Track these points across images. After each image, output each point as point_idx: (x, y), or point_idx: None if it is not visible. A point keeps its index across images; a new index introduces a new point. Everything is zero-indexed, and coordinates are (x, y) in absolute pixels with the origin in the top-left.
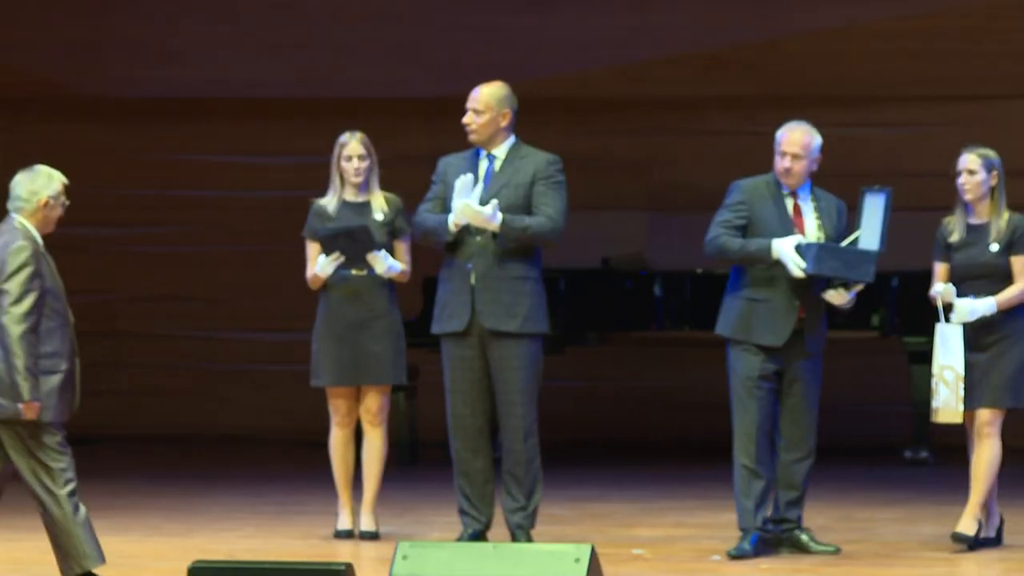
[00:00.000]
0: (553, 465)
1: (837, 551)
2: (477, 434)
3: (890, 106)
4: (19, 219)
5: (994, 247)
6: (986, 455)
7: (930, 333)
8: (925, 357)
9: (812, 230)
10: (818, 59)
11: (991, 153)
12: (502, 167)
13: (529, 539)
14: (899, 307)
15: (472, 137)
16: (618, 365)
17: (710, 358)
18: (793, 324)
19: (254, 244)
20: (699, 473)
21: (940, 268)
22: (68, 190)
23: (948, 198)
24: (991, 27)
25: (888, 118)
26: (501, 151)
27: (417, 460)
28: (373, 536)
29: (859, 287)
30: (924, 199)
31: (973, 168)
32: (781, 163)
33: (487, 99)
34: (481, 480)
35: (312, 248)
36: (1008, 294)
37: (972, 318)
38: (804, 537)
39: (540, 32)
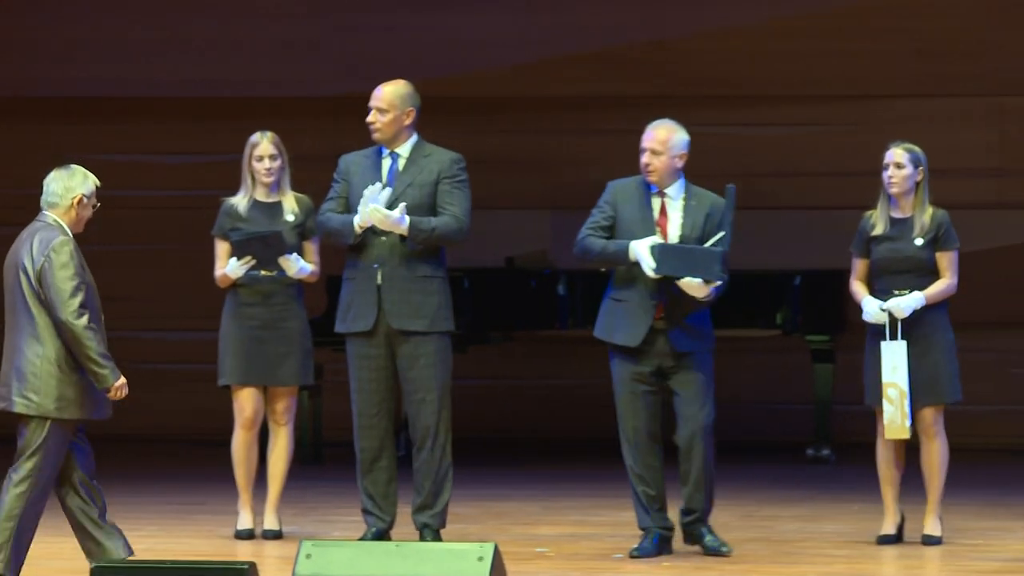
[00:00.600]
0: (456, 463)
1: (727, 553)
2: (383, 433)
3: (784, 105)
4: (52, 215)
5: (919, 241)
6: (936, 454)
7: (832, 331)
8: (827, 355)
9: (674, 230)
10: (713, 58)
11: (917, 149)
12: (406, 166)
13: (438, 538)
14: (801, 306)
15: (376, 136)
16: (522, 364)
17: None
18: (649, 324)
19: (148, 243)
20: (602, 472)
21: (860, 263)
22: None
23: (843, 197)
24: (881, 26)
25: (782, 117)
26: (404, 149)
27: (321, 459)
28: (276, 535)
29: (715, 283)
30: (819, 198)
31: (900, 162)
32: (642, 159)
33: (391, 97)
34: (385, 479)
35: (221, 247)
36: (936, 289)
37: (907, 313)
38: (704, 532)
39: (441, 31)
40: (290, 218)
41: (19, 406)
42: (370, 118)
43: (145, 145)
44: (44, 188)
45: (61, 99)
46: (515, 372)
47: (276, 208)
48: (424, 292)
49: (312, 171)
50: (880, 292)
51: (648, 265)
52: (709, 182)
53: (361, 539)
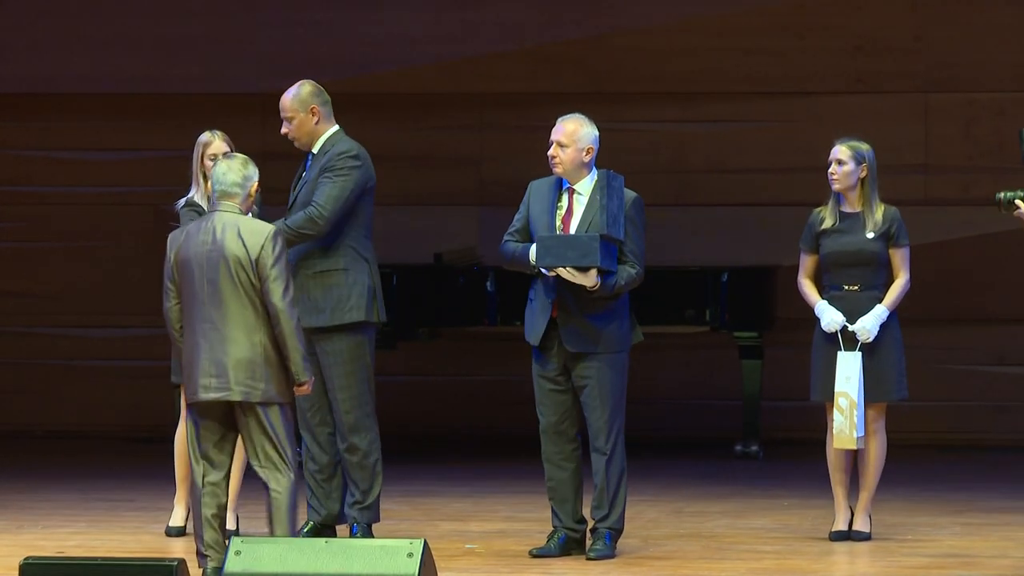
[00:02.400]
0: (384, 459)
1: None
2: (316, 430)
3: (716, 102)
4: (232, 204)
5: (870, 234)
6: (874, 451)
7: (760, 328)
8: (755, 352)
9: (573, 227)
10: (646, 55)
11: (863, 146)
12: (312, 163)
13: (369, 533)
14: (728, 302)
15: (296, 144)
16: (450, 360)
17: None
18: (546, 322)
19: (79, 240)
20: (530, 468)
21: (808, 259)
22: None
23: (772, 193)
24: (816, 23)
25: (714, 114)
26: (317, 147)
27: None
28: (234, 535)
29: (599, 271)
30: (750, 195)
31: (843, 159)
32: (549, 152)
33: (292, 104)
34: (323, 476)
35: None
36: (894, 294)
37: (875, 333)
38: (589, 539)
39: (368, 27)
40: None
41: (237, 394)
42: (284, 131)
43: (72, 142)
44: (216, 179)
45: None
46: (444, 368)
47: None
48: (321, 287)
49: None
50: (830, 287)
51: (531, 259)
52: (641, 178)
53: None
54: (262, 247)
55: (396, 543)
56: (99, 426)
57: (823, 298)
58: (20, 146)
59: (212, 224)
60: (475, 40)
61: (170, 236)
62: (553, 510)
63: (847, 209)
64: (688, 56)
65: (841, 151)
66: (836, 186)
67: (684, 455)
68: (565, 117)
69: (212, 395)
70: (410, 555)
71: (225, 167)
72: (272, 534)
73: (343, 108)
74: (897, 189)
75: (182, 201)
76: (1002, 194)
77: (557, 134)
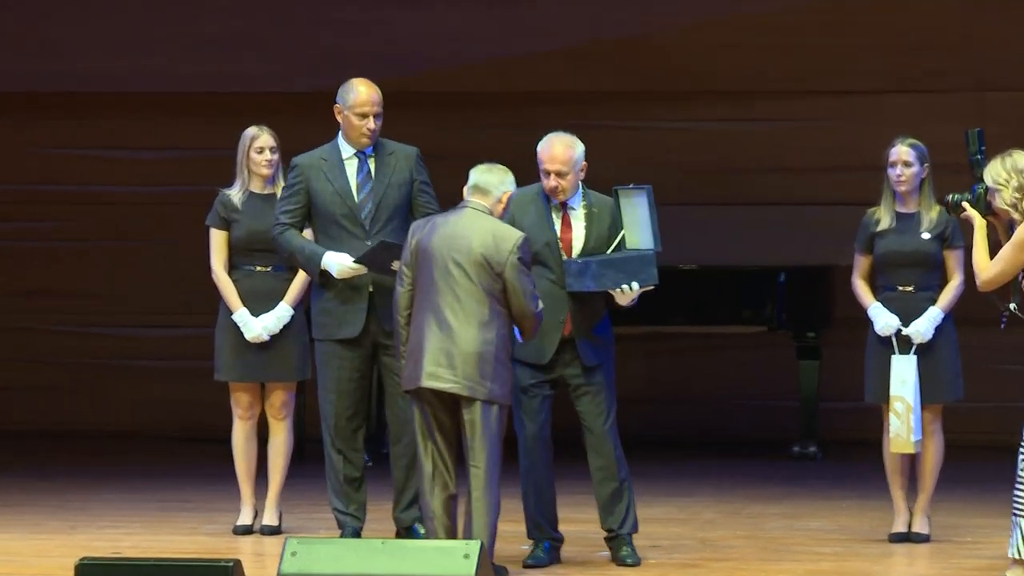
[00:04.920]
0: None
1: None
2: (355, 436)
3: (766, 100)
4: (482, 204)
5: (925, 235)
6: (932, 452)
7: (817, 328)
8: (813, 352)
9: (578, 243)
10: (691, 54)
11: (922, 144)
12: (379, 162)
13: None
14: (786, 302)
15: (368, 142)
16: None
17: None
18: (557, 340)
19: (133, 239)
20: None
21: (862, 260)
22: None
23: (826, 192)
24: (863, 20)
25: (764, 112)
26: (372, 145)
27: (303, 455)
28: (275, 531)
29: (648, 287)
30: (803, 194)
31: (908, 160)
32: (547, 182)
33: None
34: (360, 484)
35: (217, 237)
36: (948, 296)
37: (929, 336)
38: (622, 550)
39: (415, 25)
40: None
41: (463, 387)
42: (371, 125)
43: (123, 140)
44: (473, 176)
45: (39, 93)
46: None
47: (270, 200)
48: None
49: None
50: (884, 288)
51: (583, 285)
52: (689, 178)
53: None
54: (511, 254)
55: (452, 544)
56: (153, 426)
57: (877, 299)
58: (77, 145)
59: (461, 218)
60: (521, 38)
61: (413, 224)
62: (533, 521)
63: (903, 210)
64: (735, 54)
65: (904, 152)
66: (903, 188)
67: (741, 456)
68: (551, 140)
69: (438, 384)
70: (466, 556)
71: (486, 168)
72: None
73: (389, 106)
74: (949, 189)
75: (222, 192)
76: (951, 196)
77: (554, 164)
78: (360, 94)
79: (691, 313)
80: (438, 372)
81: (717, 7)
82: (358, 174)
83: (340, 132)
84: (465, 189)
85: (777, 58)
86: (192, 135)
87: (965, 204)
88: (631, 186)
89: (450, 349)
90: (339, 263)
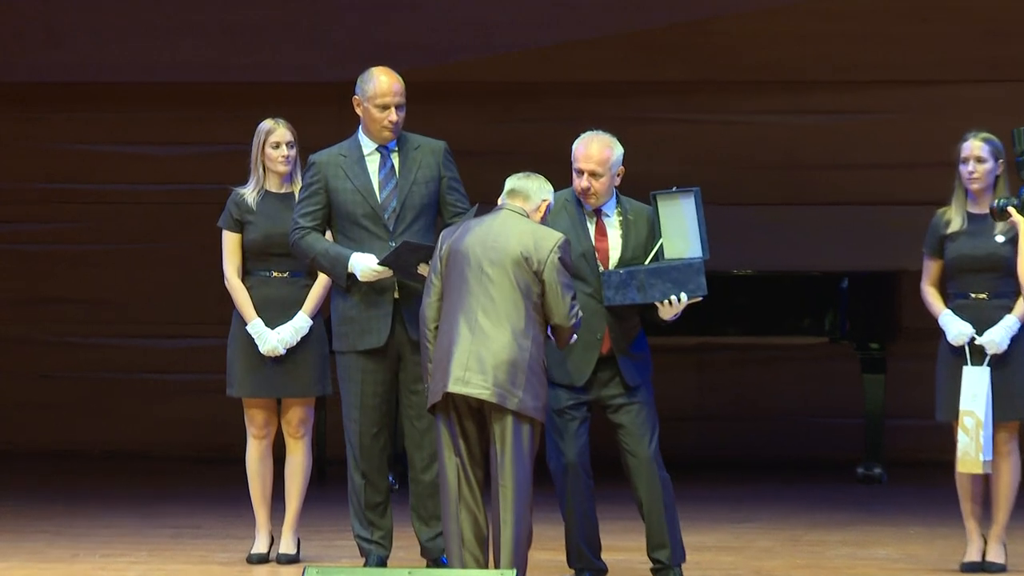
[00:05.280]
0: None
1: None
2: (381, 455)
3: (833, 91)
4: (520, 207)
5: (1000, 238)
6: (1007, 474)
7: (883, 338)
8: (878, 365)
9: (615, 252)
10: (752, 41)
11: (996, 139)
12: (404, 157)
13: None
14: (849, 311)
15: (391, 135)
16: None
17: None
18: (594, 359)
19: (143, 242)
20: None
21: (932, 265)
22: None
23: (898, 191)
24: (941, 4)
25: (831, 104)
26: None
27: (324, 477)
28: (292, 560)
29: (696, 298)
30: (869, 193)
31: (981, 155)
32: (579, 182)
33: (404, 90)
34: (384, 508)
35: (230, 240)
36: None
37: (1005, 346)
38: None
39: (451, 11)
40: None
41: (494, 394)
42: (393, 116)
43: (135, 135)
44: (512, 182)
45: (45, 85)
46: None
47: (288, 199)
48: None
49: None
50: (955, 295)
51: (625, 298)
52: (750, 175)
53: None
54: (551, 251)
55: (486, 573)
56: (163, 445)
57: (948, 307)
58: (81, 140)
59: (497, 221)
60: (567, 24)
61: (444, 231)
62: (576, 551)
63: (975, 210)
64: (799, 41)
65: (976, 147)
66: (975, 186)
67: (800, 478)
68: (588, 139)
69: (466, 390)
70: None
71: (524, 175)
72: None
73: (421, 99)
74: None
75: (235, 191)
76: (996, 201)
77: (589, 162)
78: (380, 83)
79: (746, 323)
80: (467, 377)
81: None
82: (380, 170)
83: (360, 126)
84: (501, 196)
85: (843, 45)
86: (210, 129)
87: (1011, 209)
88: (674, 189)
89: (482, 353)
90: (364, 264)
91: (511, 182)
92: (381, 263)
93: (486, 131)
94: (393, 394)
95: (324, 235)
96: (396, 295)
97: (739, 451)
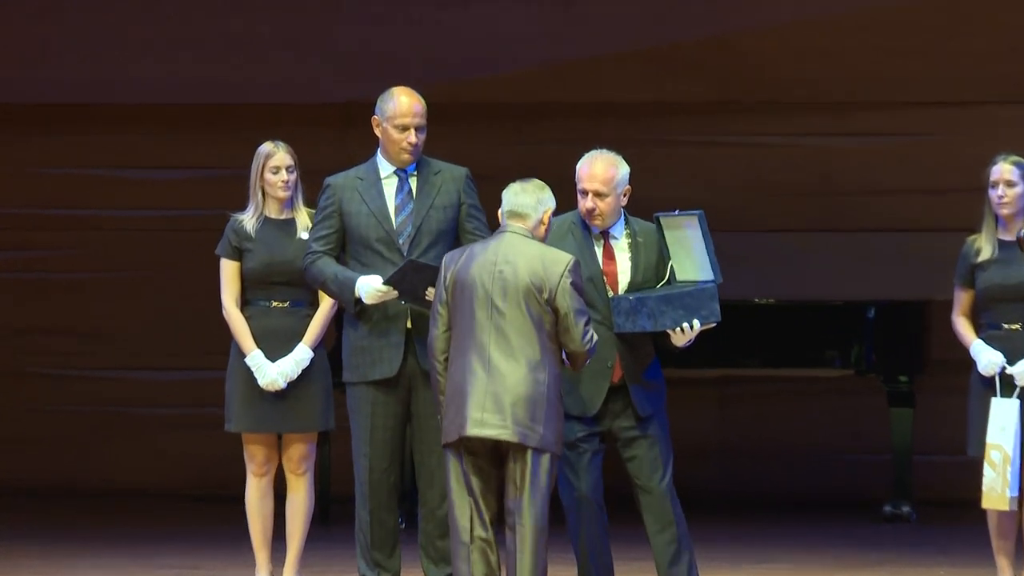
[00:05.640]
0: None
1: None
2: (391, 493)
3: (864, 112)
4: (523, 228)
5: None
6: None
7: (912, 371)
8: (906, 398)
9: (624, 277)
10: (780, 58)
11: None
12: (422, 182)
13: None
14: (876, 342)
15: (409, 158)
16: None
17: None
18: (605, 389)
19: (139, 270)
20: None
21: (963, 295)
22: None
23: (928, 217)
24: (982, 21)
25: (864, 126)
26: (414, 163)
27: (327, 517)
28: None
29: (710, 324)
30: (905, 219)
31: (1011, 179)
32: (584, 203)
33: (425, 111)
34: (392, 550)
35: (228, 268)
36: None
37: None
38: None
39: (462, 28)
40: (304, 236)
41: (514, 434)
42: (412, 139)
43: (128, 158)
44: (507, 199)
45: (30, 105)
46: None
47: (289, 226)
48: None
49: (319, 185)
50: (987, 325)
51: (636, 325)
52: (780, 200)
53: None
54: (562, 276)
55: None
56: (159, 482)
57: (979, 337)
58: (70, 163)
59: (502, 246)
60: (584, 41)
61: (446, 256)
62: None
63: (1005, 237)
64: (832, 59)
65: (1006, 170)
66: (1005, 211)
67: (825, 517)
68: (592, 159)
69: (486, 432)
70: None
71: (519, 187)
72: None
73: (429, 118)
74: None
75: (234, 217)
76: (1021, 231)
77: (593, 182)
78: (401, 104)
79: (769, 354)
80: (484, 418)
81: (810, 6)
82: (397, 194)
83: (379, 148)
84: (500, 214)
85: (875, 64)
86: (209, 151)
87: None
88: (676, 212)
89: (498, 392)
90: (369, 285)
91: (508, 200)
92: (386, 282)
93: (497, 153)
94: (404, 427)
95: (337, 260)
96: (409, 324)
97: (761, 488)
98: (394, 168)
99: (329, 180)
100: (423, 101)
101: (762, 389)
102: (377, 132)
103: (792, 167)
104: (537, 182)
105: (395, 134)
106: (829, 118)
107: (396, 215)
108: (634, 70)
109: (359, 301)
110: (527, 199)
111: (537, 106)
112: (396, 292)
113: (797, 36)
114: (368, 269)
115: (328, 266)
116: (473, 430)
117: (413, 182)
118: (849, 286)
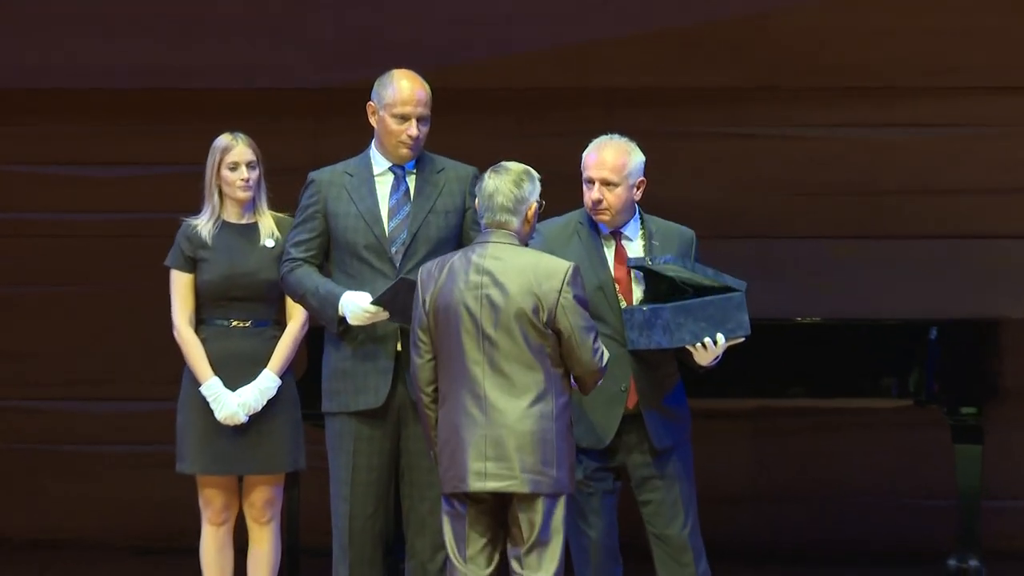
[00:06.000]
0: None
1: None
2: (377, 542)
3: (923, 100)
4: (506, 235)
5: None
6: None
7: (980, 401)
8: (974, 433)
9: (640, 282)
10: (820, 39)
11: None
12: (421, 181)
13: None
14: (938, 367)
15: (409, 155)
16: None
17: None
18: (619, 416)
19: (73, 284)
20: None
21: None
22: None
23: (1000, 221)
24: None
25: (920, 115)
26: (413, 159)
27: (298, 569)
28: None
29: (738, 339)
30: (966, 224)
31: None
32: (589, 194)
33: (429, 100)
34: None
35: (180, 282)
36: None
37: None
38: None
39: (457, 3)
40: (269, 244)
41: (525, 483)
42: (412, 131)
43: (60, 152)
44: (484, 201)
45: None
46: None
47: (251, 232)
48: None
49: (290, 185)
50: None
51: (651, 340)
52: (818, 201)
53: None
54: (560, 291)
55: None
56: (99, 531)
57: None
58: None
59: (485, 257)
60: (597, 21)
61: (422, 270)
62: None
63: None
64: (884, 39)
65: None
66: None
67: (879, 572)
68: (601, 143)
69: (490, 485)
70: None
71: (493, 184)
72: None
73: None
74: None
75: (186, 223)
76: None
77: (601, 170)
78: (401, 89)
79: (812, 382)
80: (487, 469)
81: None
82: (392, 195)
83: (373, 140)
84: (479, 210)
85: (933, 45)
86: (162, 145)
87: None
88: (648, 260)
89: (499, 435)
90: (355, 304)
91: (484, 201)
92: (375, 302)
93: (494, 147)
94: (393, 467)
95: (320, 269)
96: (399, 347)
97: (803, 539)
98: (390, 164)
99: (313, 175)
100: (428, 87)
101: (805, 423)
102: (372, 121)
103: (834, 163)
104: (514, 171)
105: (393, 124)
106: (875, 106)
107: (389, 219)
108: (651, 53)
109: (343, 320)
110: (506, 197)
111: (542, 93)
112: (386, 313)
113: (839, 14)
114: (354, 281)
115: (308, 277)
116: (475, 484)
117: (411, 181)
118: (905, 302)
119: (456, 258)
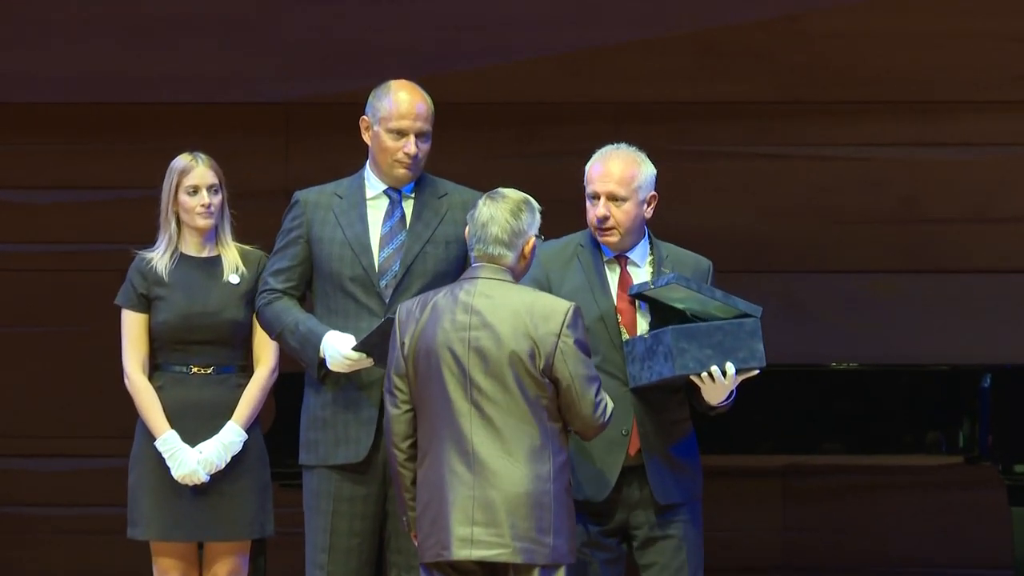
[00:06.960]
0: None
1: None
2: None
3: (967, 115)
4: (498, 270)
5: None
6: None
7: None
8: None
9: (646, 314)
10: (856, 46)
11: None
12: (420, 207)
13: None
14: (993, 419)
15: (408, 176)
16: None
17: None
18: (619, 464)
19: (11, 324)
20: None
21: None
22: None
23: None
24: None
25: (964, 133)
26: (412, 182)
27: None
28: None
29: (751, 371)
30: (1022, 256)
31: None
32: (593, 211)
33: (431, 115)
34: None
35: (133, 323)
36: None
37: None
38: None
39: (444, 6)
40: (233, 280)
41: (518, 552)
42: (410, 148)
43: (13, 176)
44: (477, 230)
45: None
46: None
47: (213, 265)
48: None
49: (258, 212)
50: None
51: (653, 373)
52: (854, 230)
53: None
54: (559, 335)
55: None
56: None
57: None
58: None
59: (474, 298)
60: (597, 24)
61: (401, 308)
62: None
63: None
64: (926, 47)
65: None
66: None
67: None
68: (606, 154)
69: (478, 553)
70: None
71: (487, 214)
72: None
73: None
74: None
75: (140, 256)
76: None
77: (607, 182)
78: (399, 102)
79: (849, 436)
80: (475, 535)
81: None
82: (386, 221)
83: (368, 159)
84: (469, 241)
85: (987, 52)
86: (113, 167)
87: None
88: (649, 284)
89: (488, 497)
90: (336, 350)
91: (477, 231)
92: (357, 347)
93: (492, 167)
94: (377, 533)
95: (302, 301)
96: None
97: None
98: (385, 187)
99: (299, 195)
100: (429, 100)
101: (840, 483)
102: (366, 138)
103: (872, 187)
104: (512, 200)
105: (388, 141)
106: (920, 123)
107: (380, 248)
108: (665, 61)
109: (324, 363)
110: (501, 230)
111: (541, 107)
112: (370, 360)
113: (878, 19)
114: (336, 317)
115: (288, 312)
116: (461, 552)
117: (408, 206)
118: (954, 345)
119: (441, 295)
